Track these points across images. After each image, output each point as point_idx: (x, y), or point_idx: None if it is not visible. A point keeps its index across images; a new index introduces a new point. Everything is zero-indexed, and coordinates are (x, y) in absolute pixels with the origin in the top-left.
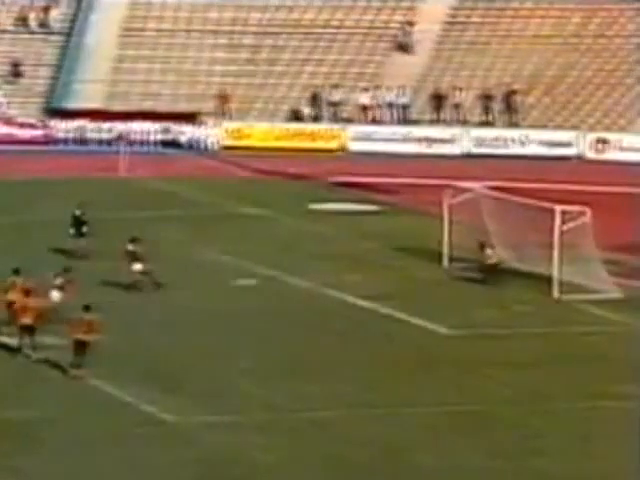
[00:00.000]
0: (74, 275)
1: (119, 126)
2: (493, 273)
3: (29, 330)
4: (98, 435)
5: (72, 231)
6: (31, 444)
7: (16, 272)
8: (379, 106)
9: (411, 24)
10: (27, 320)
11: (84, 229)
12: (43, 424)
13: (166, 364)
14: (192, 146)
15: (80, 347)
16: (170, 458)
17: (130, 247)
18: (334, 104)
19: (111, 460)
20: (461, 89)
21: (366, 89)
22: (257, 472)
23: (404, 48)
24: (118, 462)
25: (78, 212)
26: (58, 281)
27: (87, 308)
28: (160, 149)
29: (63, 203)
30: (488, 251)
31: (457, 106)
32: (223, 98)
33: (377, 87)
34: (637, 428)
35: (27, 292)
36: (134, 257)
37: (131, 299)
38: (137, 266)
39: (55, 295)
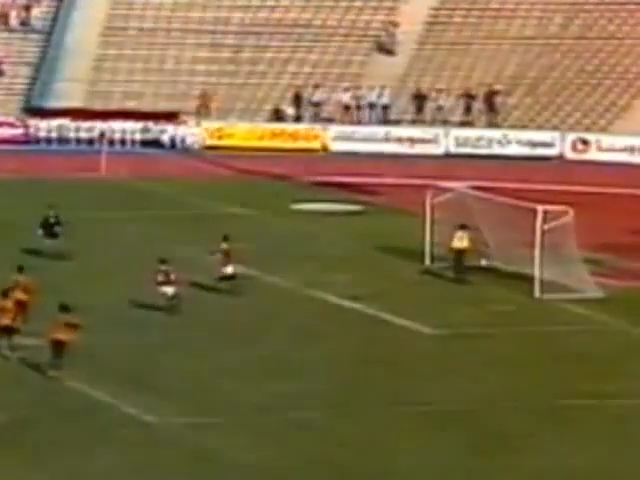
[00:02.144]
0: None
1: (100, 125)
2: (460, 260)
3: (7, 331)
4: (78, 437)
5: (40, 232)
6: (9, 446)
7: (20, 270)
8: (359, 107)
9: (395, 25)
10: (5, 321)
11: (56, 229)
12: (22, 426)
13: (147, 365)
14: (174, 146)
15: (58, 347)
16: (153, 460)
17: (225, 246)
18: (316, 104)
19: (92, 462)
20: (443, 90)
21: (348, 89)
22: (240, 473)
23: (386, 49)
24: (100, 464)
25: (50, 213)
26: (161, 277)
27: (64, 308)
28: (141, 149)
29: (43, 203)
30: (459, 233)
31: (439, 107)
32: (205, 98)
33: (359, 87)
34: (617, 426)
35: (28, 291)
36: (227, 258)
37: (109, 299)
38: (228, 269)
39: (168, 290)
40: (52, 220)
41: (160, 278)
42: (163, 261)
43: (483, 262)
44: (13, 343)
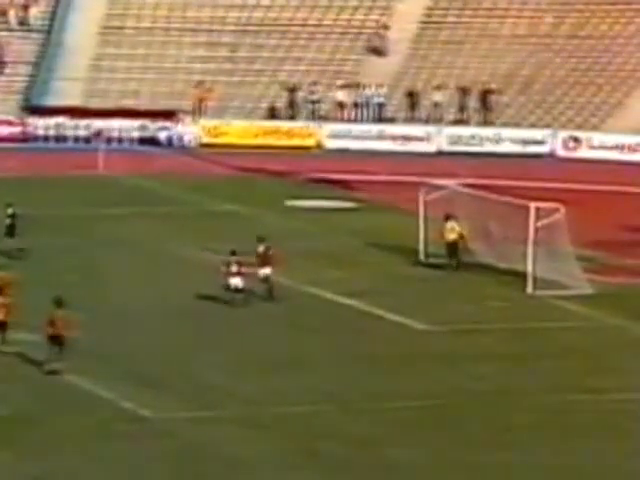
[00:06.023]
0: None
1: (97, 124)
2: (454, 252)
3: (2, 326)
4: (76, 432)
5: (6, 231)
6: (6, 442)
7: None
8: (356, 105)
9: (385, 27)
10: None
11: (9, 221)
12: (19, 421)
13: (144, 360)
14: (170, 143)
15: (55, 342)
16: (150, 454)
17: (261, 249)
18: (311, 102)
19: (90, 457)
20: (439, 87)
21: (343, 86)
22: (236, 467)
23: (378, 52)
24: (97, 459)
25: (8, 211)
26: (235, 268)
27: (59, 303)
28: (139, 146)
29: (40, 201)
30: (448, 225)
31: (436, 104)
32: (202, 89)
33: (354, 85)
34: (611, 421)
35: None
36: (265, 260)
37: (106, 294)
38: (265, 270)
39: (237, 282)
40: (8, 219)
41: (234, 269)
42: (233, 252)
43: (486, 255)
44: (9, 338)
